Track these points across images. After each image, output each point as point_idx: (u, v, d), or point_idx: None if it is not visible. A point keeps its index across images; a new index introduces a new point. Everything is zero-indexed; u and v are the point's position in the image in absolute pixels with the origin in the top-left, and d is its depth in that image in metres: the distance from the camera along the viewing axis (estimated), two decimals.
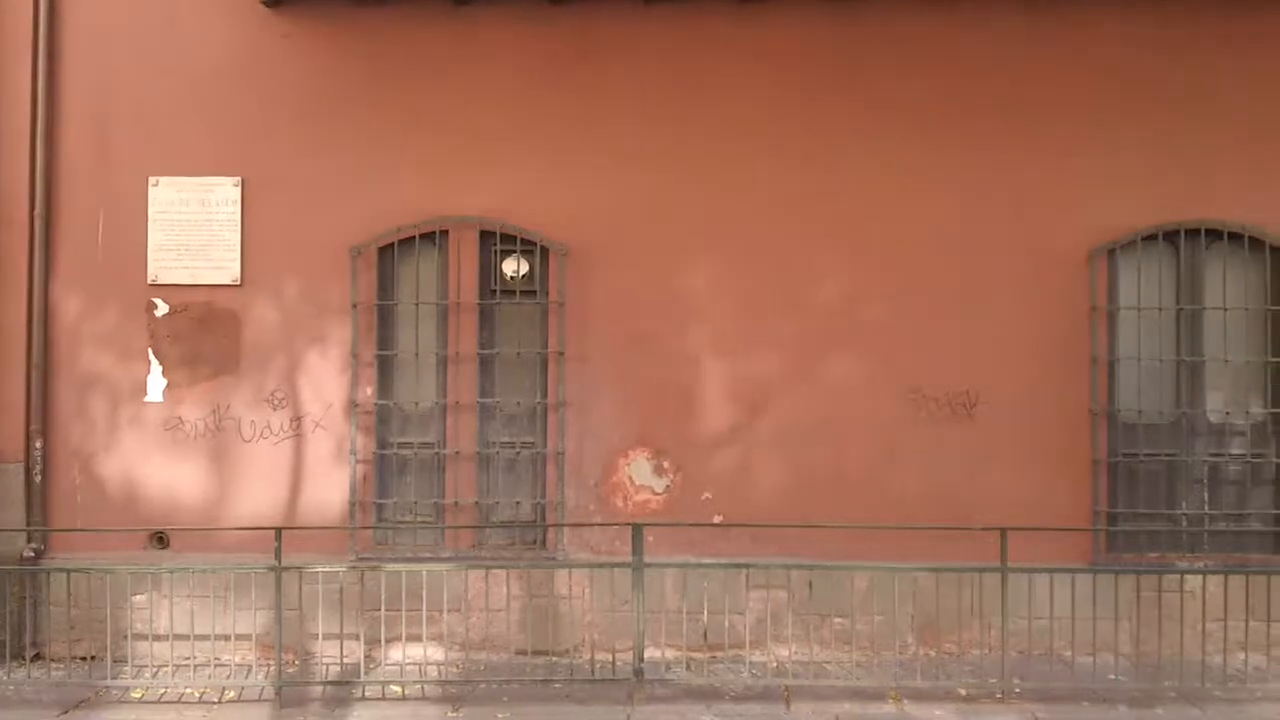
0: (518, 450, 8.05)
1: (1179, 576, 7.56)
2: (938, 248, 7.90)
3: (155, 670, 7.38)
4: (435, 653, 7.51)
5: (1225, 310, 7.83)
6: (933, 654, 7.57)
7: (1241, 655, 7.35)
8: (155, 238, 8.03)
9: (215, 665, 7.51)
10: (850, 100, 7.97)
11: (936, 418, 7.94)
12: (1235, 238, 7.81)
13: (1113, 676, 7.17)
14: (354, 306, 7.92)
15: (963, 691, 7.04)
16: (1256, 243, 7.85)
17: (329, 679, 7.26)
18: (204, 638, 7.47)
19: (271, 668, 7.14)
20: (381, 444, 8.03)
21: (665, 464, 7.97)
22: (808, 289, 7.97)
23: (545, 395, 8.00)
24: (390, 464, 8.04)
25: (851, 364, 7.95)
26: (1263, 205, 7.81)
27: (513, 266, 7.99)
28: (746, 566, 7.29)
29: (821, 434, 7.92)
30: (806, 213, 7.95)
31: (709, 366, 7.98)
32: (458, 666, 7.47)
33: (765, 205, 7.95)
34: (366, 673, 7.23)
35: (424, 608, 7.23)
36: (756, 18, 7.95)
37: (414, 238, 7.96)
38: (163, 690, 7.19)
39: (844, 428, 7.92)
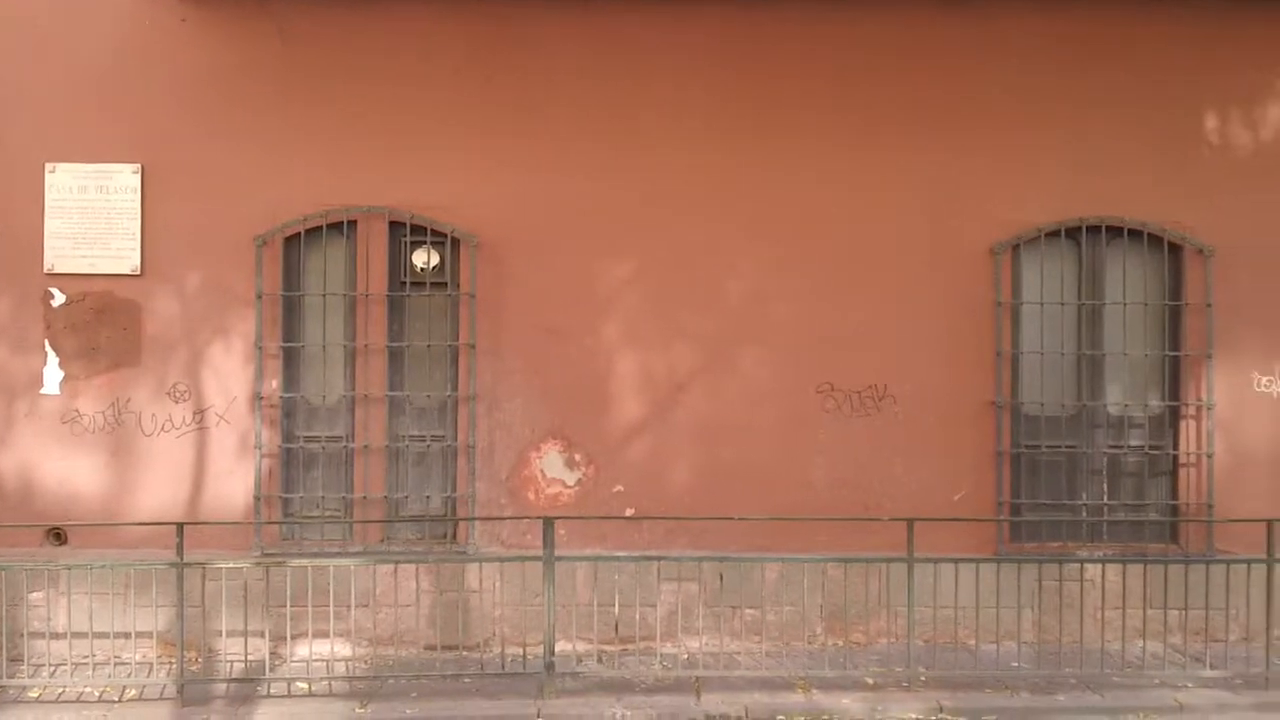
0: (428, 444, 7.96)
1: (1079, 565, 7.74)
2: (848, 244, 7.98)
3: (54, 669, 7.20)
4: (343, 649, 7.40)
5: (1125, 305, 8.03)
6: (841, 644, 7.65)
7: (1139, 642, 7.54)
8: (52, 225, 7.79)
9: (116, 663, 7.31)
10: (763, 100, 8.00)
11: (846, 411, 8.02)
12: (1135, 234, 8.01)
13: (1015, 664, 7.31)
14: (259, 297, 7.77)
15: (870, 680, 7.13)
16: (1155, 239, 8.06)
17: (233, 676, 7.13)
18: (104, 635, 7.26)
19: (173, 666, 6.98)
20: (287, 437, 7.89)
21: (577, 457, 7.95)
22: (721, 284, 8.00)
23: (456, 388, 7.92)
24: (297, 458, 7.90)
25: (763, 358, 8.00)
26: (1162, 203, 8.01)
27: (423, 258, 7.90)
28: (658, 559, 7.30)
29: (733, 427, 7.96)
30: (721, 209, 7.98)
31: (622, 360, 7.97)
32: (366, 662, 7.39)
33: (680, 201, 7.96)
34: (272, 670, 7.10)
35: (331, 603, 7.12)
36: (671, 17, 7.94)
37: (321, 227, 7.83)
38: (61, 689, 6.99)
39: (755, 421, 7.97)
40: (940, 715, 6.69)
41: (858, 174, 8.00)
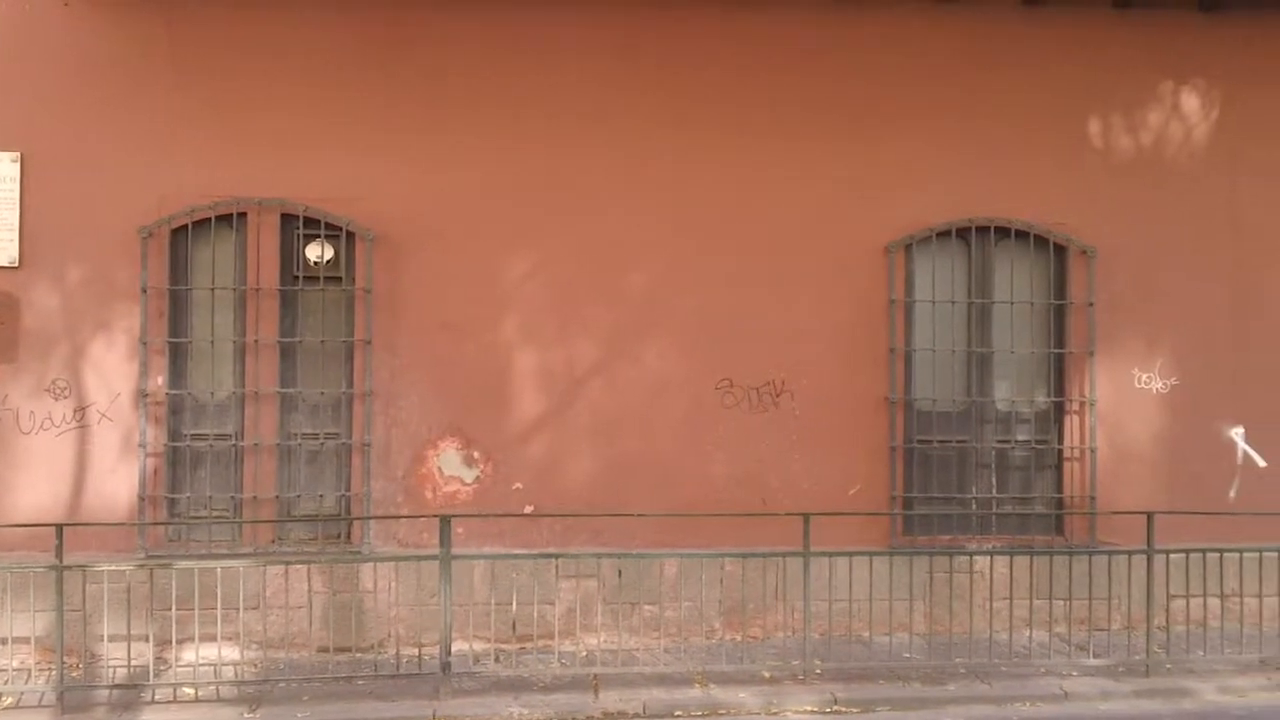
0: (321, 441, 7.80)
1: (969, 558, 7.92)
2: (747, 240, 8.05)
3: None
4: (231, 653, 7.20)
5: (1012, 304, 8.23)
6: (739, 638, 7.70)
7: (1027, 632, 7.74)
8: None
9: None
10: (665, 96, 8.02)
11: (745, 407, 8.08)
12: (1022, 235, 8.22)
13: (908, 654, 7.44)
14: (144, 291, 7.53)
15: (766, 674, 7.18)
16: (1042, 240, 8.28)
17: (116, 683, 6.88)
18: None
19: (53, 672, 6.72)
20: (174, 436, 7.67)
21: (476, 454, 7.87)
22: (621, 279, 8.00)
23: (351, 385, 7.78)
24: (183, 457, 7.68)
25: (664, 354, 8.02)
26: (1048, 205, 8.24)
27: (317, 251, 7.74)
28: (557, 556, 7.25)
29: (633, 423, 7.97)
30: (621, 204, 7.98)
31: (522, 356, 7.92)
32: (255, 666, 7.20)
33: (580, 197, 7.94)
34: (157, 675, 6.87)
35: (219, 606, 6.91)
36: (572, 13, 7.92)
37: (210, 219, 7.63)
38: None
39: (656, 417, 7.99)
40: (834, 707, 6.77)
41: (757, 171, 8.07)
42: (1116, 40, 8.33)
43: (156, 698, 6.72)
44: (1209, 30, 8.40)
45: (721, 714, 6.66)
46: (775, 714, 6.68)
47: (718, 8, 8.03)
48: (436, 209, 7.82)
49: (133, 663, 7.03)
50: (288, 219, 7.73)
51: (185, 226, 7.61)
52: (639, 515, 7.60)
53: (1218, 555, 7.43)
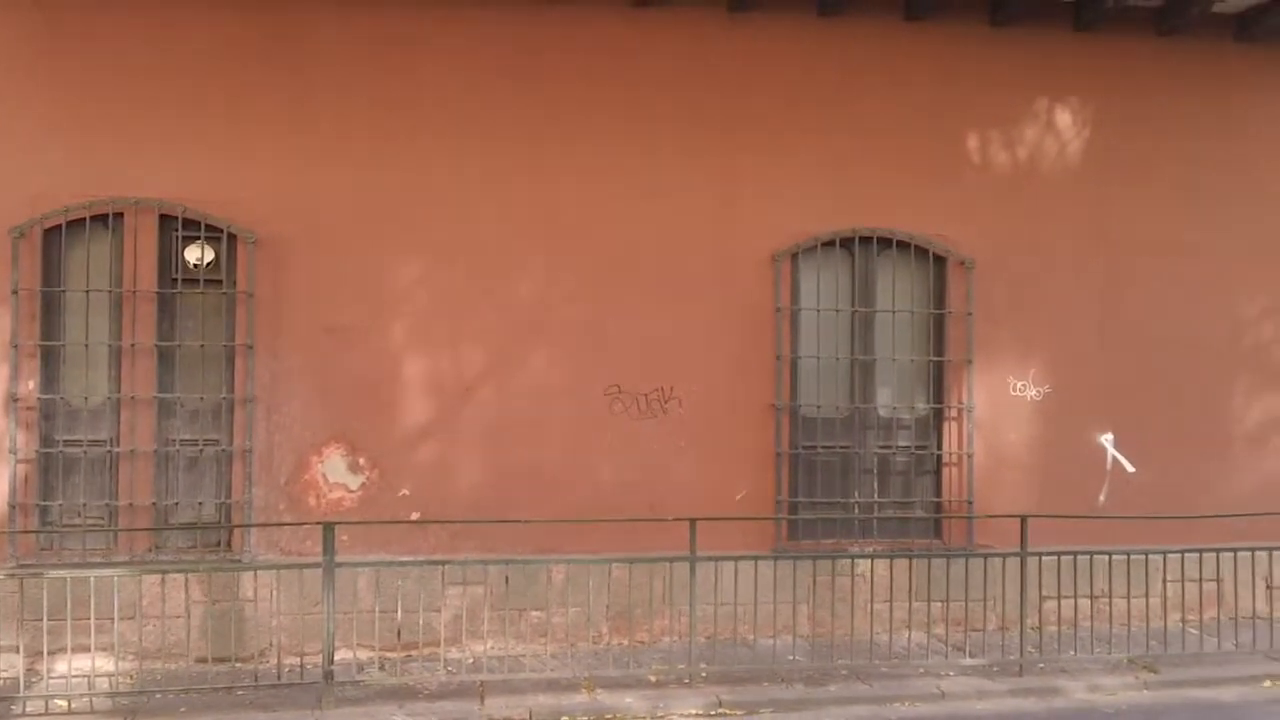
0: (201, 448, 7.63)
1: (850, 561, 8.07)
2: (639, 249, 8.11)
3: None
4: (106, 664, 6.98)
5: (894, 313, 8.43)
6: (626, 643, 7.74)
7: (906, 633, 7.92)
8: None
9: None
10: (556, 103, 8.05)
11: (634, 413, 8.13)
12: (904, 246, 8.42)
13: (792, 657, 7.55)
14: (14, 293, 7.29)
15: (652, 678, 7.23)
16: (923, 251, 8.49)
17: None
18: None
19: None
20: (46, 441, 7.42)
21: (361, 461, 7.78)
22: (511, 285, 7.99)
23: (232, 390, 7.63)
24: (56, 463, 7.44)
25: (553, 360, 8.03)
26: (930, 217, 8.46)
27: (196, 254, 7.57)
28: (443, 563, 7.20)
29: (522, 429, 7.95)
30: (513, 212, 7.97)
31: (410, 361, 7.85)
32: (131, 677, 7.01)
33: (470, 202, 7.91)
34: (28, 687, 6.63)
35: (93, 616, 6.71)
36: (454, 18, 7.90)
37: (85, 220, 7.41)
38: None
39: (544, 423, 7.99)
40: (719, 709, 6.84)
41: (648, 178, 8.13)
42: (995, 57, 8.60)
43: (28, 710, 6.52)
44: (1082, 47, 8.71)
45: (608, 718, 6.68)
46: (661, 717, 6.73)
47: (603, 15, 8.08)
48: (322, 212, 7.71)
49: (2, 674, 6.82)
50: (167, 220, 7.55)
51: (59, 226, 7.39)
52: (527, 522, 7.59)
53: (1088, 557, 7.71)
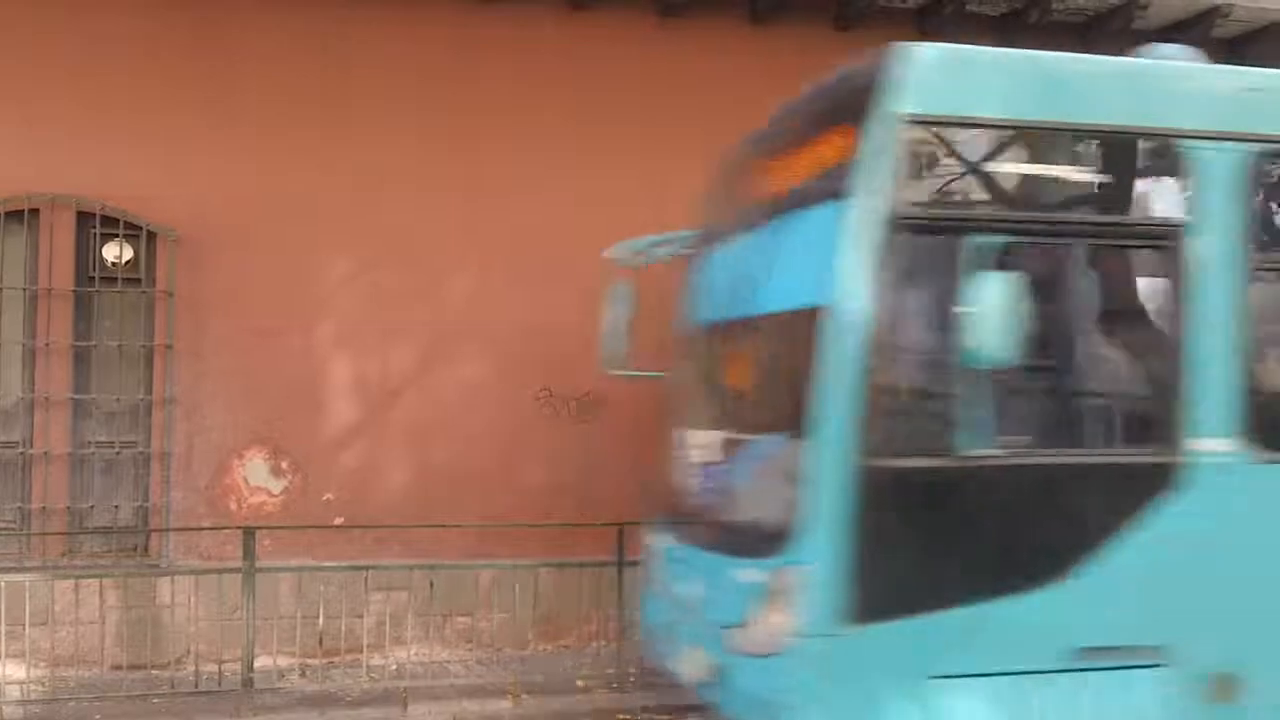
0: (118, 450, 7.46)
1: None
2: (565, 247, 8.01)
3: None
4: (16, 671, 6.78)
5: None
6: (552, 648, 7.67)
7: None
8: None
9: None
10: (489, 104, 7.98)
11: (565, 416, 8.09)
12: None
13: None
14: None
15: (580, 683, 7.18)
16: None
17: None
18: None
19: None
20: None
21: (284, 464, 7.65)
22: (438, 285, 7.91)
23: (150, 391, 7.48)
24: None
25: (481, 363, 7.96)
26: None
27: (115, 252, 7.41)
28: (367, 568, 7.10)
29: (449, 432, 7.87)
30: (444, 213, 7.89)
31: (334, 362, 7.75)
32: (43, 685, 6.82)
33: (400, 203, 7.82)
34: None
35: (3, 622, 6.52)
36: (388, 20, 7.82)
37: None
38: None
39: (472, 426, 7.90)
40: (648, 714, 6.80)
41: (581, 178, 8.06)
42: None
43: None
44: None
45: None
46: None
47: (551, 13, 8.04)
48: (243, 208, 7.57)
49: None
50: (84, 217, 7.38)
51: None
52: (452, 526, 7.49)
53: None
